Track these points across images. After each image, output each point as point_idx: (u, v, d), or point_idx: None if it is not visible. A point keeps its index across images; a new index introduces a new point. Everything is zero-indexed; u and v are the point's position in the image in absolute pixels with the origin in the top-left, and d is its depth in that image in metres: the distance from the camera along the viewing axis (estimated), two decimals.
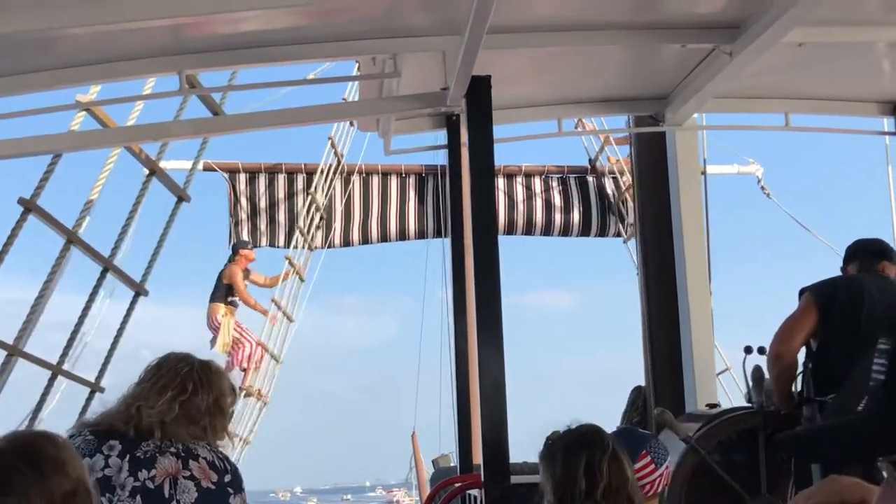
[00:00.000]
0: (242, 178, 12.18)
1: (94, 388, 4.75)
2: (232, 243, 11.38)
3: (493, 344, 3.76)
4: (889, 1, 4.17)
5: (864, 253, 4.66)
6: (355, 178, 12.39)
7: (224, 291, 10.94)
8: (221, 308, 10.78)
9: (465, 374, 5.21)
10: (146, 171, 5.07)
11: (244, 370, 10.86)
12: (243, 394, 10.51)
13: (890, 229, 6.02)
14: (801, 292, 4.49)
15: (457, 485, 4.67)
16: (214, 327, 10.76)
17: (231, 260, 11.16)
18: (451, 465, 9.09)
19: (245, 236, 12.15)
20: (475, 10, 3.21)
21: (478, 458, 4.45)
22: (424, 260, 12.76)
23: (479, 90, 3.86)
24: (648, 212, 5.93)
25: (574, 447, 2.67)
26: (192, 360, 2.88)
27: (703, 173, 6.06)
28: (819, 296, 4.40)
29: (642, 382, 6.03)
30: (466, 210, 5.14)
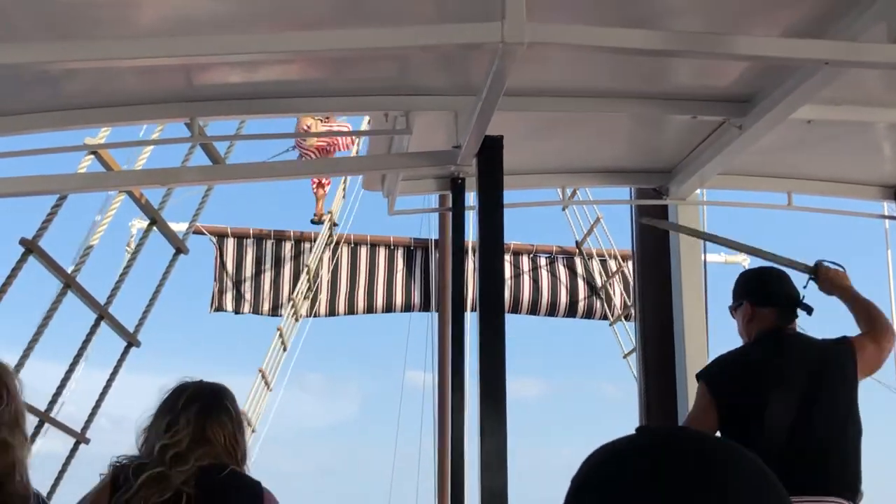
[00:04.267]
0: (230, 242, 12.14)
1: (80, 438, 4.62)
2: None
3: (496, 413, 3.70)
4: (892, 81, 4.21)
5: (784, 300, 4.08)
6: (343, 248, 12.39)
7: None
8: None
9: (459, 448, 5.08)
10: (146, 220, 5.02)
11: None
12: None
13: (889, 313, 6.00)
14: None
15: None
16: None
17: None
18: None
19: (229, 303, 12.11)
20: (495, 70, 3.21)
21: None
22: (398, 334, 12.84)
23: (491, 149, 3.86)
24: (648, 288, 5.89)
25: None
26: None
27: (704, 258, 6.03)
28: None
29: None
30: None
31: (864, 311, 4.09)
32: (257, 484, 3.11)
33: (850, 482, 3.76)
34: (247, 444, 3.24)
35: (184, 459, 2.99)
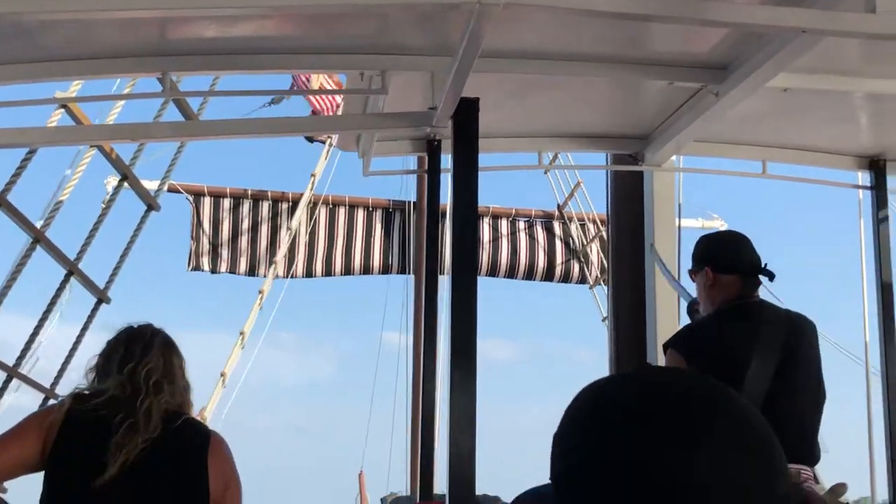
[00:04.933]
0: (207, 201, 12.06)
1: (49, 394, 4.61)
2: None
3: (467, 373, 3.72)
4: (868, 51, 4.20)
5: (747, 267, 3.90)
6: (321, 209, 12.32)
7: None
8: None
9: (430, 409, 5.11)
10: (118, 176, 4.98)
11: None
12: None
13: (859, 284, 6.05)
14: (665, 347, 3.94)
15: None
16: None
17: None
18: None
19: (205, 262, 12.05)
20: (471, 30, 3.18)
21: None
22: (375, 296, 12.93)
23: (467, 111, 3.83)
24: (622, 252, 5.91)
25: None
26: None
27: (679, 223, 6.04)
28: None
29: None
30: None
31: None
32: (207, 430, 3.27)
33: (814, 451, 3.79)
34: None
35: (151, 392, 3.08)
